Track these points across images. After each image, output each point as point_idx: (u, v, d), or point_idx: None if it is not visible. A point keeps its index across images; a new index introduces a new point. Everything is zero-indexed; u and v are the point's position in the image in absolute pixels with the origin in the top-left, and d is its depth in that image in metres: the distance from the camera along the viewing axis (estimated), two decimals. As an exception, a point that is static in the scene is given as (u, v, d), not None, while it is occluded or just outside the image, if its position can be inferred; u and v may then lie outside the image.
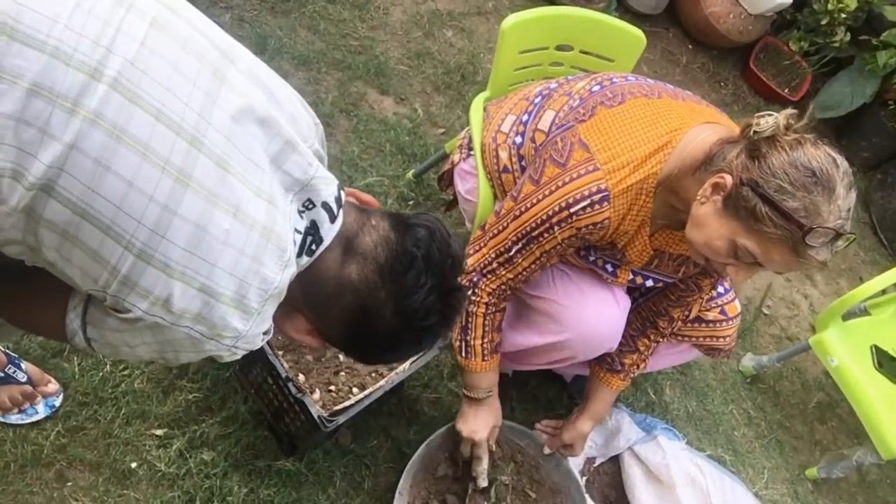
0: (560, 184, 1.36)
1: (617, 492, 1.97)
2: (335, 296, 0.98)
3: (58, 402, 1.58)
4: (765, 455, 2.31)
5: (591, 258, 1.52)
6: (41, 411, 1.55)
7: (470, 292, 1.53)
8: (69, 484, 1.53)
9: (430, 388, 1.95)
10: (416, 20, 2.79)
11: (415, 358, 1.65)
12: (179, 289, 0.84)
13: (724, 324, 1.75)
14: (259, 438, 1.69)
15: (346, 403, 1.53)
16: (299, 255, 0.95)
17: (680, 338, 1.78)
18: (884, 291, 2.32)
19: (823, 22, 3.24)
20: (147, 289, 0.83)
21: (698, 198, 1.27)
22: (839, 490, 2.37)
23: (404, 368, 1.64)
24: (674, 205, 1.36)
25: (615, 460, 2.01)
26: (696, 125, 1.35)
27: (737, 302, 1.78)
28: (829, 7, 3.19)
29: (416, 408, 1.91)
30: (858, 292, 2.21)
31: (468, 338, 1.56)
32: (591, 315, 1.56)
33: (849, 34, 3.25)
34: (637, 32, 1.87)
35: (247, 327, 0.90)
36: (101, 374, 1.64)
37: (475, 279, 1.52)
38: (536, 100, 1.57)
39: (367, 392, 1.57)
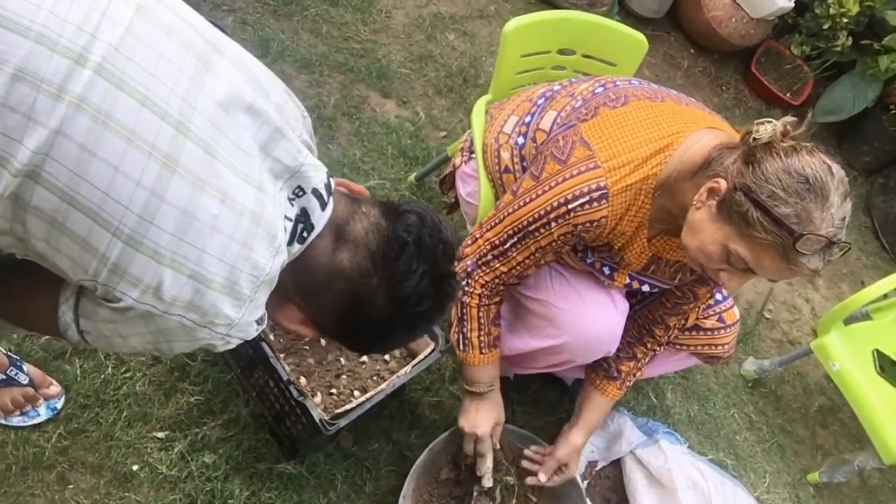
0: (560, 180, 1.36)
1: (618, 496, 1.97)
2: (327, 283, 0.98)
3: (59, 404, 1.58)
4: (766, 459, 2.31)
5: (589, 260, 1.52)
6: (43, 413, 1.55)
7: (464, 283, 1.53)
8: (70, 486, 1.53)
9: (432, 392, 1.95)
10: (418, 23, 2.80)
11: (416, 361, 1.65)
12: (169, 276, 0.84)
13: (723, 331, 1.74)
14: (260, 441, 1.69)
15: (348, 407, 1.53)
16: (290, 242, 0.94)
17: (678, 346, 1.77)
18: (886, 296, 2.32)
19: (825, 26, 3.24)
20: (137, 276, 0.83)
21: (694, 203, 1.28)
22: (841, 495, 2.36)
23: (406, 372, 1.64)
24: (671, 209, 1.36)
25: (617, 464, 2.01)
26: (698, 129, 1.35)
27: (735, 309, 1.78)
28: (831, 11, 3.18)
29: (418, 411, 1.90)
30: (860, 296, 2.20)
31: (465, 330, 1.56)
32: (588, 318, 1.56)
33: (850, 38, 3.24)
34: (639, 36, 1.87)
35: (239, 314, 0.90)
36: (102, 376, 1.64)
37: (469, 269, 1.52)
38: (539, 101, 1.57)
39: (368, 395, 1.57)
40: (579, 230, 1.37)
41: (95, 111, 0.78)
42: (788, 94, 3.41)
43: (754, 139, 1.21)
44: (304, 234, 0.95)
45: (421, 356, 1.67)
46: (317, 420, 1.47)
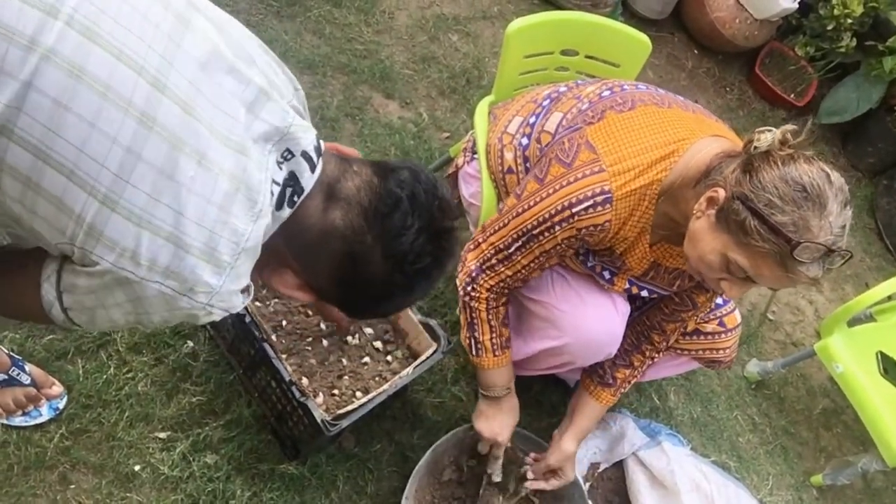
0: (564, 183, 1.36)
1: (621, 497, 1.97)
2: (321, 244, 0.96)
3: (61, 404, 1.58)
4: (769, 461, 2.30)
5: (590, 263, 1.52)
6: (45, 414, 1.55)
7: (469, 288, 1.53)
8: (72, 486, 1.53)
9: (434, 393, 1.95)
10: (422, 24, 2.80)
11: (418, 362, 1.65)
12: (147, 238, 0.82)
13: (723, 336, 1.74)
14: (262, 442, 1.69)
15: (350, 407, 1.53)
16: (280, 207, 0.92)
17: (679, 351, 1.77)
18: (890, 297, 2.31)
19: (829, 27, 3.23)
20: (113, 239, 0.82)
21: (694, 212, 1.28)
22: (844, 497, 2.35)
23: (408, 373, 1.64)
24: (674, 216, 1.36)
25: (619, 466, 2.01)
26: (704, 137, 1.35)
27: (737, 313, 1.77)
28: (836, 12, 3.18)
29: (420, 412, 1.90)
30: (864, 298, 2.20)
31: (476, 334, 1.57)
32: (589, 320, 1.56)
33: (855, 39, 3.24)
34: (642, 37, 1.87)
35: (220, 282, 0.88)
36: (104, 376, 1.64)
37: (474, 274, 1.52)
38: (545, 102, 1.57)
39: (370, 396, 1.57)
40: (583, 234, 1.37)
41: (68, 64, 0.77)
42: (792, 96, 3.40)
43: (755, 147, 1.21)
44: (295, 198, 0.93)
45: (423, 357, 1.67)
46: (319, 421, 1.47)
